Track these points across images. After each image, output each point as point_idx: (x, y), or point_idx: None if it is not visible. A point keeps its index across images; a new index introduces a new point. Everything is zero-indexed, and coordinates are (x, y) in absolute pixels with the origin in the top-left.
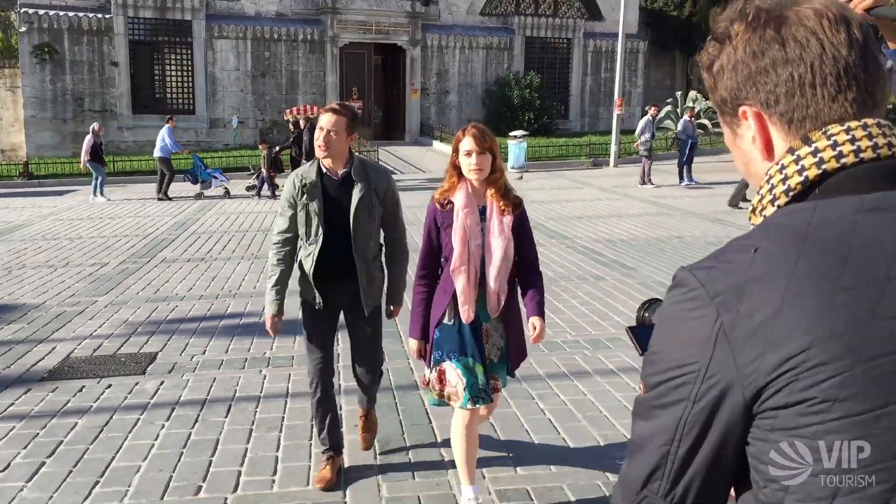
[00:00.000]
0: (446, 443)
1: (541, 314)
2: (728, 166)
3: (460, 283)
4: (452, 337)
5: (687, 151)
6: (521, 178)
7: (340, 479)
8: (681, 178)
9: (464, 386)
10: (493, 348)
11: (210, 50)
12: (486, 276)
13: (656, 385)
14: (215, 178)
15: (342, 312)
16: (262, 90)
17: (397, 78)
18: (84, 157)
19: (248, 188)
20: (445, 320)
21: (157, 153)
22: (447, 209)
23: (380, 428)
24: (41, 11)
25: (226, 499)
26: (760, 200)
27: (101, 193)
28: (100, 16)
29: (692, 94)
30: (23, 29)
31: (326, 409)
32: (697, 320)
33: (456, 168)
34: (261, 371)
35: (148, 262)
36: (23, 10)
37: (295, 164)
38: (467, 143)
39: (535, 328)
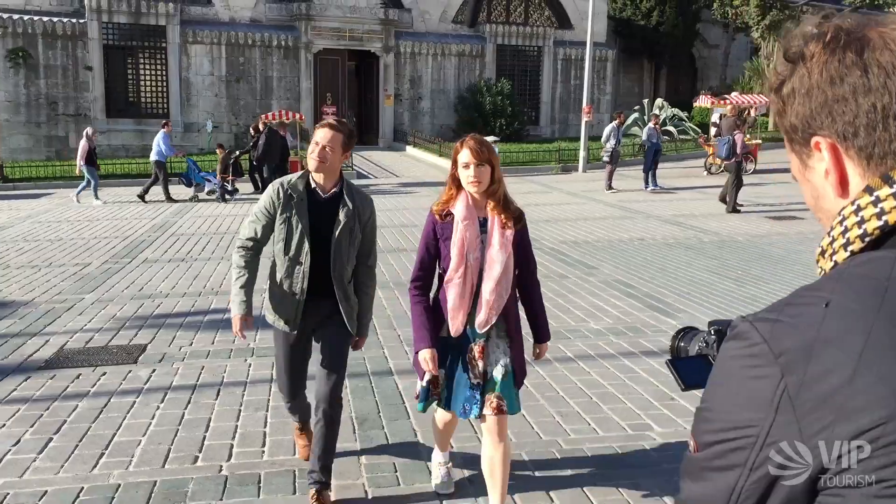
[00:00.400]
0: (420, 420)
1: (546, 338)
2: (691, 172)
3: (452, 295)
4: (449, 347)
5: (651, 157)
6: None
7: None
8: (646, 183)
9: (455, 395)
10: (494, 364)
11: (184, 55)
12: (481, 289)
13: (709, 445)
14: (208, 181)
15: (312, 335)
16: (237, 95)
17: (371, 84)
18: (80, 161)
19: (209, 192)
20: (444, 333)
21: (152, 157)
22: (447, 220)
23: (358, 407)
24: (15, 16)
25: (221, 466)
26: (831, 243)
27: (97, 197)
28: (74, 21)
29: (658, 101)
30: None
31: (298, 405)
32: (758, 380)
33: (455, 180)
34: (246, 360)
35: (130, 262)
36: None
37: (254, 168)
38: (465, 155)
39: (537, 352)
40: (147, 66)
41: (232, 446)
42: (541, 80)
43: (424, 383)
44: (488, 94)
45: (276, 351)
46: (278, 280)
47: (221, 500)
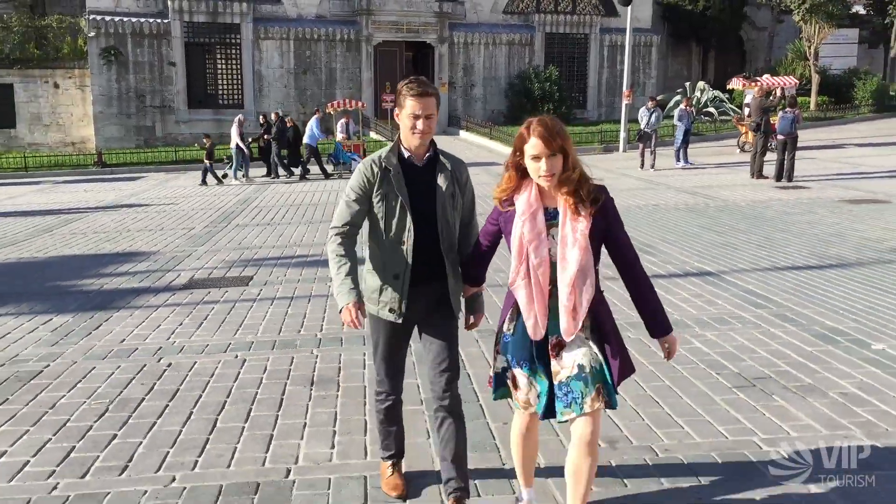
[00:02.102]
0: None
1: (667, 330)
2: (726, 150)
3: (521, 298)
4: (520, 345)
5: (682, 136)
6: None
7: (408, 483)
8: (677, 159)
9: (537, 394)
10: (590, 355)
11: (257, 50)
12: (557, 290)
13: None
14: (354, 160)
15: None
16: (304, 86)
17: (427, 73)
18: (235, 141)
19: (223, 176)
20: (506, 328)
21: (305, 140)
22: (508, 212)
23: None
24: (107, 18)
25: (317, 333)
26: None
27: (246, 175)
28: (159, 21)
29: (700, 84)
30: (91, 34)
31: (395, 419)
32: None
33: (518, 168)
34: (328, 284)
35: (226, 227)
36: (91, 16)
37: (263, 153)
38: (534, 147)
39: (665, 348)
40: (223, 61)
41: (322, 327)
42: (588, 65)
43: (495, 370)
44: (537, 80)
45: (375, 339)
46: (379, 265)
47: (318, 348)
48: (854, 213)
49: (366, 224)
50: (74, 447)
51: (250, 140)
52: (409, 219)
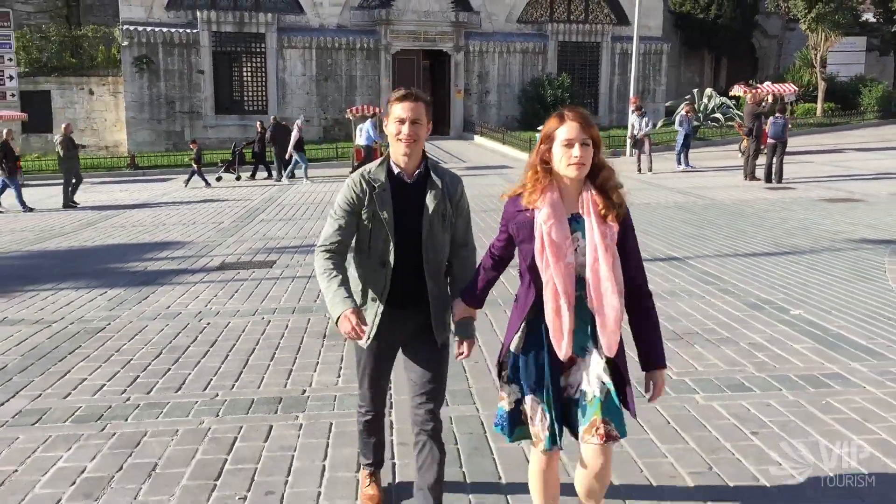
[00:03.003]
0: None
1: (661, 365)
2: (729, 154)
3: (551, 315)
4: (531, 367)
5: (682, 141)
6: None
7: (388, 496)
8: (678, 162)
9: (547, 425)
10: (595, 383)
11: (280, 58)
12: (590, 304)
13: None
14: None
15: (400, 348)
16: (325, 92)
17: (443, 80)
18: (291, 147)
19: (217, 179)
20: (513, 347)
21: (361, 141)
22: (523, 218)
23: None
24: (140, 28)
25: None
26: None
27: (306, 177)
28: (188, 31)
29: (708, 91)
30: (125, 43)
31: (374, 431)
32: None
33: (544, 164)
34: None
35: (252, 222)
36: (125, 27)
37: (258, 158)
38: (568, 131)
39: (652, 387)
40: (248, 69)
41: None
42: (599, 73)
43: (507, 406)
44: (550, 87)
45: (358, 357)
46: (361, 286)
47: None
48: (826, 210)
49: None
50: (138, 376)
51: (244, 144)
52: (391, 239)
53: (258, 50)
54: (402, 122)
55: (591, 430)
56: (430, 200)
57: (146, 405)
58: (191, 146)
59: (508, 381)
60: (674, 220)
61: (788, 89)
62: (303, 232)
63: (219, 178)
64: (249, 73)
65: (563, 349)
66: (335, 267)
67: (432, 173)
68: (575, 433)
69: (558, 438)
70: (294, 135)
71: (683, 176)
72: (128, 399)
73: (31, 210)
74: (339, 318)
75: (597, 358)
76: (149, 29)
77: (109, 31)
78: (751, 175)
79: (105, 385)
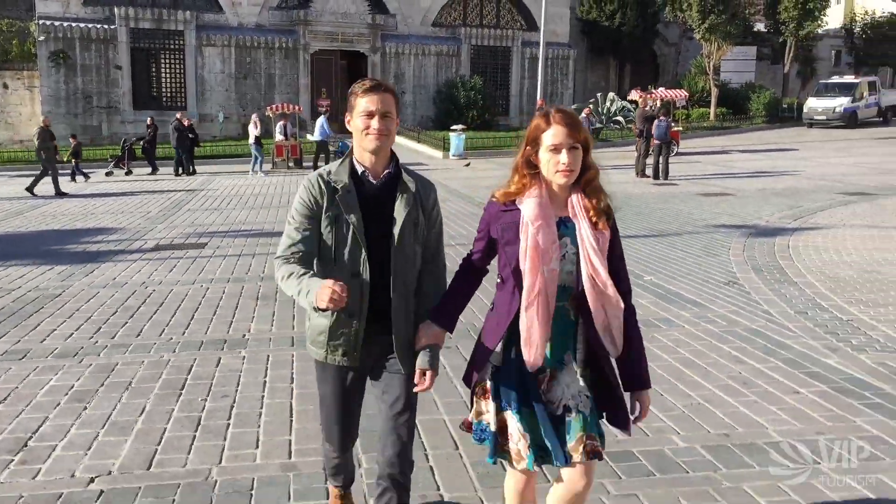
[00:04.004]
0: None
1: (647, 385)
2: (627, 154)
3: (529, 321)
4: (513, 380)
5: None
6: (469, 164)
7: None
8: None
9: (527, 444)
10: (579, 397)
11: (199, 56)
12: (593, 305)
13: None
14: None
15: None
16: (244, 90)
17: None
18: (251, 142)
19: (107, 174)
20: (495, 361)
21: (316, 136)
22: (510, 218)
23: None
24: (56, 23)
25: (258, 284)
26: None
27: (261, 170)
28: (106, 26)
29: (610, 94)
30: (41, 38)
31: (343, 468)
32: None
33: (530, 165)
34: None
35: (179, 211)
36: (41, 21)
37: (147, 153)
38: (555, 135)
39: (638, 409)
40: (167, 66)
41: (264, 269)
42: (510, 76)
43: (493, 424)
44: (463, 89)
45: (323, 391)
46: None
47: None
48: (700, 203)
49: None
50: (100, 328)
51: (134, 140)
52: (363, 249)
53: (177, 47)
54: (370, 115)
55: (578, 448)
56: (400, 206)
57: (112, 346)
58: (70, 140)
59: (491, 396)
60: None
61: (680, 94)
62: (230, 219)
63: (108, 173)
64: (168, 70)
65: (532, 356)
66: (299, 268)
67: (405, 175)
68: (558, 452)
69: (554, 458)
70: (251, 130)
71: None
72: (96, 342)
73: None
74: (318, 292)
75: (576, 371)
76: (65, 24)
77: (25, 26)
78: (641, 173)
79: (73, 333)
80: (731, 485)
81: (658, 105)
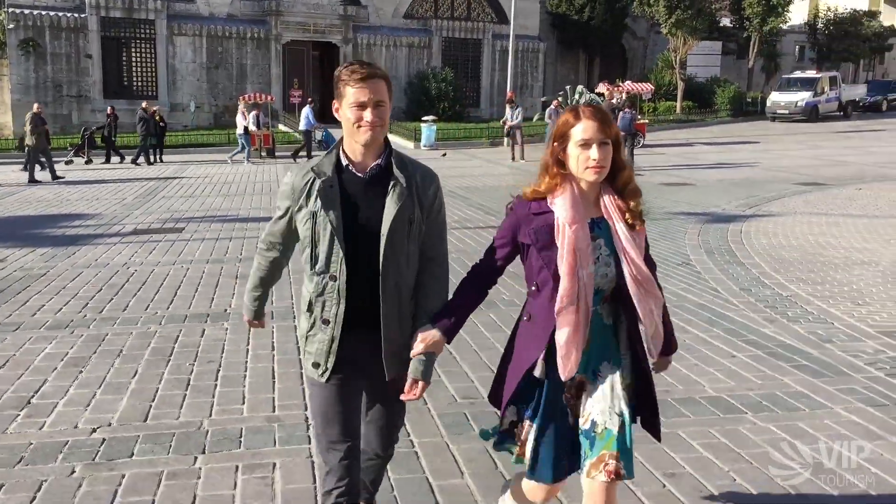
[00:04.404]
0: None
1: (669, 351)
2: None
3: (566, 327)
4: (543, 389)
5: (550, 132)
6: (445, 155)
7: None
8: None
9: (548, 457)
10: (607, 413)
11: (171, 45)
12: (624, 315)
13: None
14: None
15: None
16: (216, 80)
17: (332, 71)
18: (238, 131)
19: (66, 162)
20: (537, 373)
21: (301, 126)
22: (543, 220)
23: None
24: (26, 11)
25: (237, 264)
26: None
27: (248, 159)
28: (76, 15)
29: (579, 87)
30: (10, 26)
31: (353, 489)
32: None
33: (559, 163)
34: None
35: (154, 198)
36: (10, 9)
37: (108, 143)
38: (585, 130)
39: (656, 363)
40: (138, 55)
41: (241, 251)
42: (481, 68)
43: (504, 425)
44: (434, 80)
45: (313, 404)
46: (310, 304)
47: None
48: (661, 192)
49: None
50: (87, 304)
51: (94, 129)
52: (338, 248)
53: (148, 36)
54: (361, 106)
55: (599, 466)
56: (391, 202)
57: (101, 320)
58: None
59: (514, 401)
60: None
61: (646, 88)
62: (205, 206)
63: (68, 162)
64: (139, 59)
65: (569, 365)
66: (260, 267)
67: (396, 169)
68: (576, 468)
69: (551, 472)
70: (240, 120)
71: None
72: (85, 316)
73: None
74: (245, 320)
75: (615, 382)
76: (35, 12)
77: None
78: None
79: (62, 308)
80: (668, 430)
81: (623, 98)
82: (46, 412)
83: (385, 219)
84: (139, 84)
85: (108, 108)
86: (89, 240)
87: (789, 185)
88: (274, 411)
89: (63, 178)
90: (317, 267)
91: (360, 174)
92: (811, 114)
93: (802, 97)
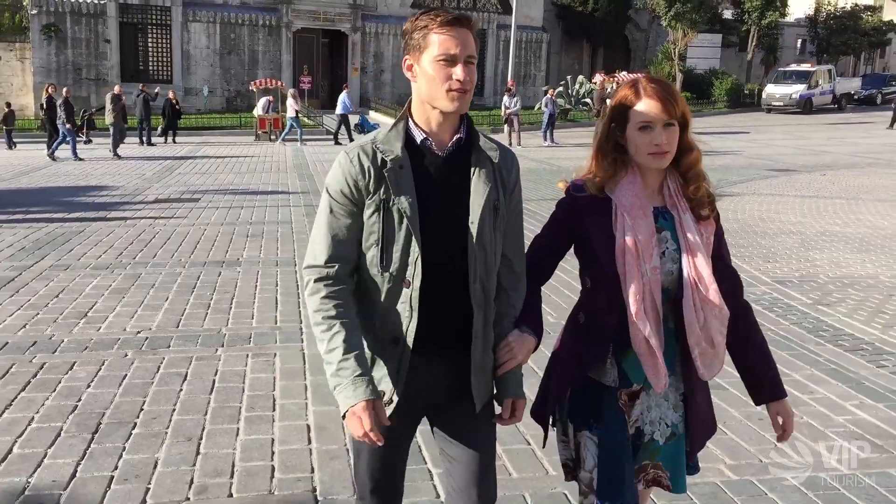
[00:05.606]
0: None
1: (781, 392)
2: (591, 133)
3: (643, 336)
4: (594, 399)
5: (547, 120)
6: None
7: None
8: (544, 138)
9: (608, 479)
10: (657, 423)
11: (185, 31)
12: (690, 316)
13: None
14: (378, 128)
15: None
16: (228, 66)
17: (341, 58)
18: (288, 115)
19: (85, 142)
20: (606, 380)
21: (338, 111)
22: (599, 210)
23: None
24: None
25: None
26: None
27: (301, 141)
28: (96, 1)
29: (580, 77)
30: (34, 11)
31: None
32: None
33: (616, 146)
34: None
35: (171, 174)
36: None
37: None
38: (646, 110)
39: (779, 422)
40: (154, 40)
41: (252, 216)
42: (485, 58)
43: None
44: None
45: (356, 447)
46: (369, 320)
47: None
48: None
49: None
50: (122, 252)
51: (94, 110)
52: (415, 246)
53: (164, 22)
54: (450, 60)
55: (639, 475)
56: (478, 185)
57: (135, 263)
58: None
59: (568, 414)
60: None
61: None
62: (218, 181)
63: (87, 142)
64: (155, 44)
65: (662, 378)
66: (338, 315)
67: (482, 142)
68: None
69: (622, 496)
70: (290, 104)
71: (547, 150)
72: (121, 261)
73: (81, 160)
74: (345, 412)
75: (673, 396)
76: None
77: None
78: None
79: (101, 255)
80: None
81: (615, 87)
82: (101, 321)
83: (473, 206)
84: (155, 68)
85: (116, 87)
86: (117, 206)
87: (760, 171)
88: (276, 323)
89: (121, 157)
90: (387, 272)
91: (438, 151)
92: (805, 106)
93: (797, 89)
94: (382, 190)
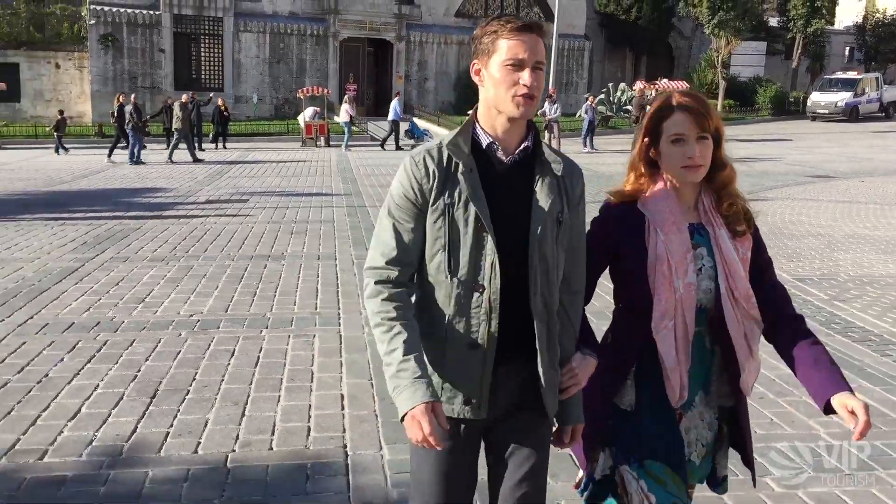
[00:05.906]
0: None
1: (848, 387)
2: (622, 140)
3: (666, 348)
4: (635, 427)
5: (587, 127)
6: None
7: None
8: (584, 145)
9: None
10: (694, 443)
11: (236, 41)
12: (734, 330)
13: None
14: (427, 134)
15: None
16: (277, 74)
17: (386, 66)
18: (342, 121)
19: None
20: (623, 403)
21: (390, 117)
22: (632, 225)
23: None
24: (106, 8)
25: (319, 221)
26: None
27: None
28: (151, 12)
29: (621, 85)
30: (92, 22)
31: None
32: None
33: (649, 161)
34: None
35: (221, 177)
36: (92, 6)
37: (169, 135)
38: (680, 123)
39: (854, 416)
40: (206, 50)
41: (297, 215)
42: None
43: (598, 473)
44: None
45: (417, 461)
46: (438, 326)
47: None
48: None
49: None
50: (176, 247)
51: (149, 116)
52: (490, 247)
53: (216, 32)
54: (518, 65)
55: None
56: (542, 194)
57: (188, 256)
58: (57, 113)
59: (607, 442)
60: None
61: (680, 85)
62: (266, 184)
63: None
64: (207, 54)
65: (677, 393)
66: (398, 317)
67: (547, 152)
68: None
69: None
70: (345, 109)
71: (585, 156)
72: (175, 254)
73: (142, 163)
74: (404, 415)
75: (709, 416)
76: (114, 9)
77: (76, 10)
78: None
79: (157, 249)
80: None
81: (654, 95)
82: (157, 306)
83: (535, 216)
84: (207, 77)
85: (168, 99)
86: (171, 206)
87: (798, 177)
88: (316, 309)
89: (203, 160)
90: (458, 275)
91: (504, 158)
92: (851, 114)
93: (843, 97)
94: (447, 194)
